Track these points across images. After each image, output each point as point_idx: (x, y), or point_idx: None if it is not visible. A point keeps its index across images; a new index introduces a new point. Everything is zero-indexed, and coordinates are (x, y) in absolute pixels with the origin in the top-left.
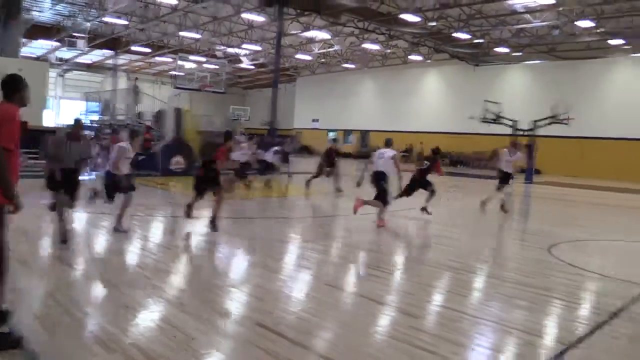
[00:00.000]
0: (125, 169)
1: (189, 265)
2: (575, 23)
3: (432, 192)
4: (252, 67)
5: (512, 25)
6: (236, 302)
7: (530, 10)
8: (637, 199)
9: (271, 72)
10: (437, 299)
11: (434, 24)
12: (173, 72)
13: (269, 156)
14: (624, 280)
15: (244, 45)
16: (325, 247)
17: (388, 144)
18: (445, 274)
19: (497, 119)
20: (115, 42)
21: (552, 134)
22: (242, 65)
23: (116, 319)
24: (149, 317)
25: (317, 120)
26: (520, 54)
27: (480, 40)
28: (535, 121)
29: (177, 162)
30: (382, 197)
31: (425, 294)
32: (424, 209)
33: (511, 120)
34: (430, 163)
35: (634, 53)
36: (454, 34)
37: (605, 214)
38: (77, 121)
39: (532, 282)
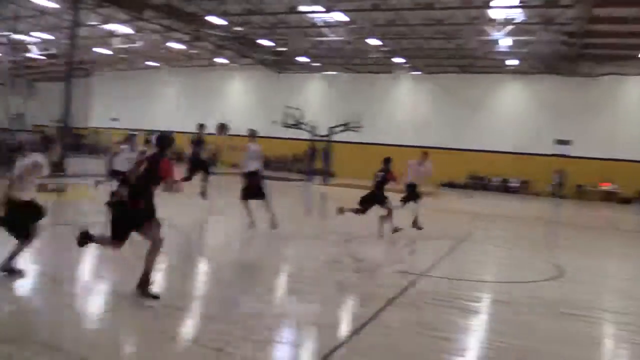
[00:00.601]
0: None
1: None
2: (365, 40)
3: (390, 210)
4: (42, 57)
5: (312, 37)
6: None
7: (328, 25)
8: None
9: (64, 65)
10: (236, 299)
11: (239, 28)
12: None
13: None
14: (406, 272)
15: (31, 33)
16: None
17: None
18: (241, 273)
19: (297, 124)
20: None
21: (347, 140)
22: (30, 55)
23: None
24: None
25: (116, 119)
26: (319, 64)
27: (284, 49)
28: (331, 127)
29: None
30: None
31: (222, 296)
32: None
33: (310, 126)
34: (385, 173)
35: (413, 71)
36: (258, 40)
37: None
38: None
39: (324, 277)
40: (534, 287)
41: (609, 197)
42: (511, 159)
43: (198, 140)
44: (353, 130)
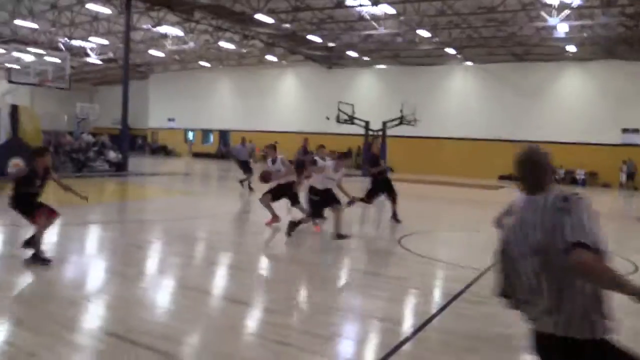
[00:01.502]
0: None
1: (31, 277)
2: (416, 31)
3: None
4: (100, 62)
5: (360, 31)
6: (87, 314)
7: (376, 18)
8: (475, 193)
9: (121, 68)
10: (296, 294)
11: (287, 25)
12: (8, 65)
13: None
14: (465, 266)
15: (90, 38)
16: (184, 250)
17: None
18: (301, 269)
19: (351, 120)
20: None
21: (401, 134)
22: (89, 60)
23: None
24: None
25: (173, 120)
26: (368, 59)
27: (332, 44)
28: (385, 122)
29: (16, 164)
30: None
31: (284, 290)
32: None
33: (364, 121)
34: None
35: (465, 62)
36: (308, 37)
37: (449, 207)
38: None
39: (384, 272)
40: None
41: None
42: (575, 149)
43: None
44: (408, 124)
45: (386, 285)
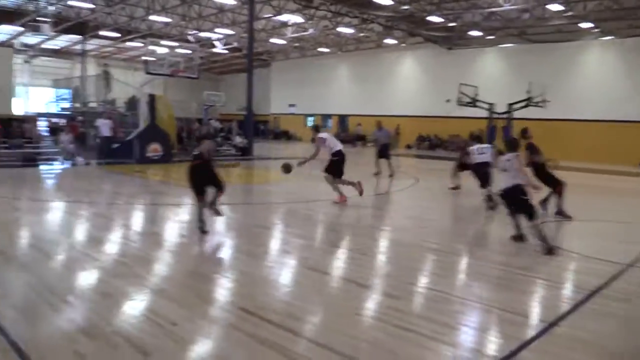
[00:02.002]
0: None
1: (171, 253)
2: (545, 6)
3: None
4: (226, 51)
5: (484, 9)
6: (220, 288)
7: None
8: (613, 180)
9: (245, 57)
10: (419, 280)
11: (406, 7)
12: (144, 58)
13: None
14: (602, 259)
15: (216, 30)
16: (307, 232)
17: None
18: (425, 256)
19: (473, 102)
20: (82, 27)
21: (528, 117)
22: (216, 50)
23: (98, 307)
24: (131, 305)
25: (293, 105)
26: (492, 37)
27: (453, 24)
28: (511, 104)
29: (154, 149)
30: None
31: (406, 276)
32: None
33: (487, 103)
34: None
35: (603, 36)
36: (427, 18)
37: (583, 194)
38: None
39: (512, 262)
40: None
41: None
42: None
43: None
44: (537, 106)
45: (516, 277)
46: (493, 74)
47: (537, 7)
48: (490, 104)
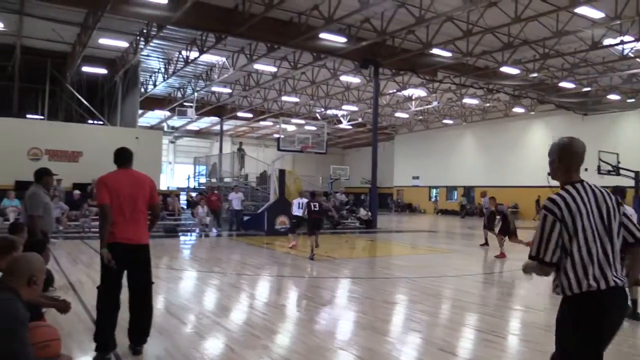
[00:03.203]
0: None
1: (297, 325)
2: None
3: None
4: (350, 127)
5: (622, 71)
6: None
7: None
8: None
9: (369, 132)
10: None
11: (535, 75)
12: (276, 135)
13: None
14: None
15: (342, 107)
16: (435, 309)
17: None
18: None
19: (616, 171)
20: (220, 110)
21: None
22: (341, 126)
23: None
24: None
25: (417, 178)
26: (633, 100)
27: (588, 89)
28: None
29: (282, 221)
30: None
31: None
32: None
33: (632, 171)
34: None
35: None
36: (559, 84)
37: None
38: None
39: None
40: None
41: None
42: None
43: None
44: None
45: None
46: (634, 139)
47: None
48: (637, 172)
